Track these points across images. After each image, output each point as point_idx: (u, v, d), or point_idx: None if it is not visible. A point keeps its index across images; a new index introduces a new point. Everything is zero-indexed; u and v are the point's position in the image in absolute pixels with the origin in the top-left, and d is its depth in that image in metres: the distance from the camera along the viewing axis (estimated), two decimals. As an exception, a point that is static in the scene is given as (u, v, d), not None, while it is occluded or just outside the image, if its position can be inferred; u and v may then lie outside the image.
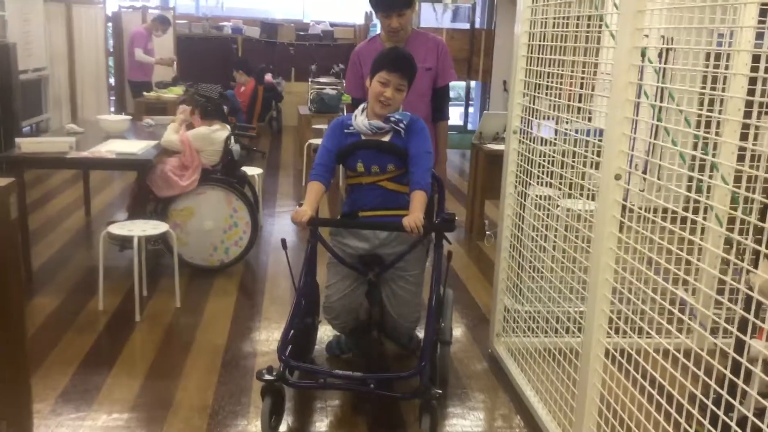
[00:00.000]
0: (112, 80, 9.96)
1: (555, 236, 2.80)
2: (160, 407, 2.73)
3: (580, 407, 2.33)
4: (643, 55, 2.14)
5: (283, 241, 2.74)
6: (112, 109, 9.82)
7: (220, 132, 4.21)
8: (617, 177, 2.11)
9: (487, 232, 5.22)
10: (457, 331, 3.57)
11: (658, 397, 1.89)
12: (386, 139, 2.70)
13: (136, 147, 4.14)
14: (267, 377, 2.49)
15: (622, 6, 2.07)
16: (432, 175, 2.74)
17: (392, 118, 2.67)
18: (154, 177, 4.08)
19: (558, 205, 2.87)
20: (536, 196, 3.01)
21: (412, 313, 2.81)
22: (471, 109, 11.63)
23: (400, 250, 2.69)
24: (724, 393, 1.65)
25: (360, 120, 2.71)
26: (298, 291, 2.76)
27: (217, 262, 4.27)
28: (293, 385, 2.61)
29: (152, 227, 3.67)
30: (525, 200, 3.08)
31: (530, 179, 2.98)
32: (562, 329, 2.72)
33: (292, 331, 2.65)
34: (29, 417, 2.45)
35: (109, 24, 9.78)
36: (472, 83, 11.40)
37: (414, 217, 2.48)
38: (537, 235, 2.94)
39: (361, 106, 2.77)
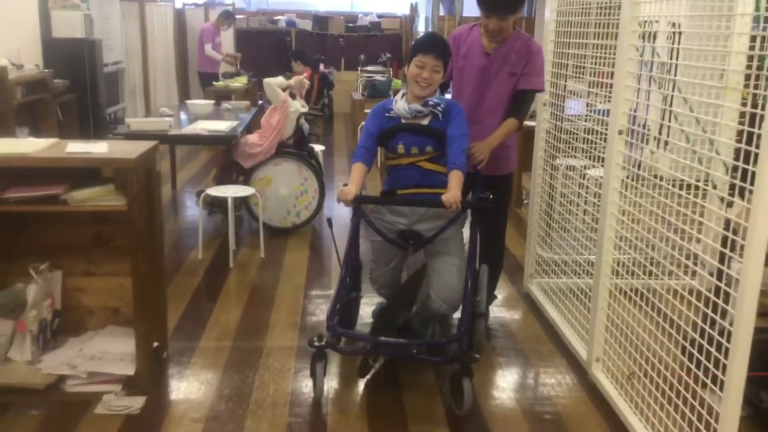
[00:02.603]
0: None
1: (585, 198, 3.40)
2: (260, 325, 3.44)
3: (593, 326, 2.96)
4: (642, 36, 2.74)
5: (329, 221, 3.11)
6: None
7: (301, 109, 4.99)
8: (620, 132, 2.72)
9: (525, 201, 5.81)
10: (500, 278, 4.19)
11: (650, 326, 2.51)
12: (425, 122, 2.85)
13: (222, 126, 4.87)
14: (317, 344, 2.72)
15: (623, -1, 2.67)
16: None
17: (431, 102, 2.83)
18: (238, 151, 4.81)
19: (580, 171, 3.46)
20: (563, 165, 3.62)
21: (453, 297, 2.85)
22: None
23: (438, 225, 2.85)
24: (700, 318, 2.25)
25: (400, 104, 2.86)
26: (343, 266, 2.96)
27: (290, 223, 4.98)
28: (341, 350, 2.85)
29: (241, 190, 4.40)
30: (553, 167, 3.69)
31: (558, 150, 3.59)
32: (581, 272, 3.34)
33: (338, 304, 2.87)
34: (165, 330, 3.18)
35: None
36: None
37: (452, 193, 2.65)
38: (569, 194, 3.55)
39: (400, 92, 2.94)
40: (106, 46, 8.34)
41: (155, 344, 3.02)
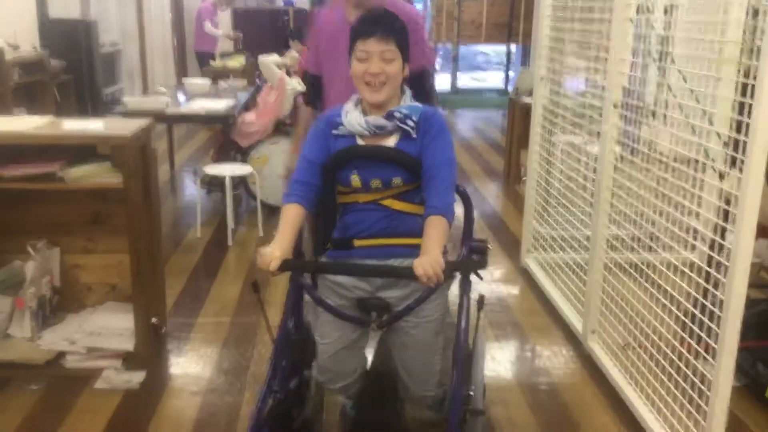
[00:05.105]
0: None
1: (584, 174, 3.40)
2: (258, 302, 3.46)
3: (589, 298, 2.99)
4: (638, 10, 2.73)
5: (255, 285, 1.94)
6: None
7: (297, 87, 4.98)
8: (615, 105, 2.72)
9: (523, 178, 5.81)
10: (498, 253, 4.23)
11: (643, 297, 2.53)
12: (391, 142, 1.95)
13: (219, 104, 4.87)
14: None
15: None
16: (455, 188, 1.98)
17: (397, 114, 1.92)
18: (236, 130, 4.82)
19: (577, 147, 3.46)
20: (561, 141, 3.63)
21: (429, 375, 2.07)
22: (512, 73, 12.08)
23: (413, 294, 1.95)
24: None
25: (353, 117, 1.95)
26: (276, 345, 2.06)
27: (288, 202, 4.99)
28: None
29: (239, 169, 4.41)
30: (551, 143, 3.70)
31: (555, 126, 3.59)
32: (578, 246, 3.36)
33: (271, 402, 1.96)
34: (164, 306, 3.20)
35: None
36: (513, 47, 11.84)
37: (430, 259, 1.68)
38: (566, 169, 3.56)
39: (353, 98, 2.01)
40: (103, 26, 8.30)
41: (154, 320, 3.04)
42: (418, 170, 1.92)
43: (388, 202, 1.99)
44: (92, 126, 2.74)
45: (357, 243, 2.01)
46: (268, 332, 2.06)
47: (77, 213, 2.98)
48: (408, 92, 2.01)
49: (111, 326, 2.94)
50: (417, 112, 1.94)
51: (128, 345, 2.85)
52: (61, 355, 2.84)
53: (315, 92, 2.74)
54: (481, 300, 1.87)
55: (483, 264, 1.92)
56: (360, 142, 1.97)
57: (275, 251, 1.76)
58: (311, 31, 2.73)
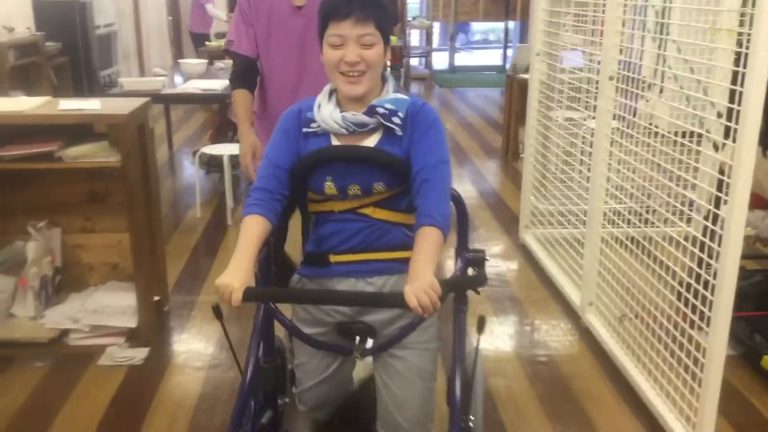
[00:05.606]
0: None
1: (581, 149, 3.42)
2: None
3: (586, 272, 3.01)
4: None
5: (216, 310, 1.60)
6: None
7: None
8: (611, 78, 2.73)
9: (521, 155, 5.81)
10: (496, 229, 4.25)
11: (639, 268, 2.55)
12: (371, 141, 1.70)
13: (216, 85, 4.86)
14: None
15: (614, -58, 2.65)
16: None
17: (381, 109, 1.66)
18: (232, 110, 4.81)
19: (574, 121, 3.47)
20: (556, 117, 3.63)
21: (420, 413, 1.80)
22: (510, 51, 12.03)
23: (401, 316, 1.76)
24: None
25: (327, 112, 1.68)
26: (243, 384, 1.75)
27: (287, 181, 5.00)
28: None
29: (237, 149, 4.40)
30: (548, 118, 3.70)
31: (552, 101, 3.59)
32: (576, 221, 3.38)
33: None
34: (165, 284, 3.22)
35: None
36: (511, 24, 11.78)
37: (423, 285, 1.40)
38: (563, 144, 3.57)
39: (326, 89, 1.74)
40: (98, 7, 8.28)
41: (156, 298, 3.07)
42: (403, 173, 1.67)
43: (368, 211, 1.75)
44: (89, 105, 2.74)
45: (333, 259, 1.77)
46: (235, 362, 1.78)
47: (75, 192, 3.00)
48: (390, 80, 1.74)
49: (113, 305, 2.97)
50: (404, 107, 1.68)
51: (131, 323, 2.88)
52: (65, 333, 2.87)
53: (251, 76, 2.53)
54: (481, 323, 1.59)
55: (482, 280, 1.68)
56: (335, 141, 1.71)
57: (233, 282, 1.46)
58: (240, 7, 2.46)
